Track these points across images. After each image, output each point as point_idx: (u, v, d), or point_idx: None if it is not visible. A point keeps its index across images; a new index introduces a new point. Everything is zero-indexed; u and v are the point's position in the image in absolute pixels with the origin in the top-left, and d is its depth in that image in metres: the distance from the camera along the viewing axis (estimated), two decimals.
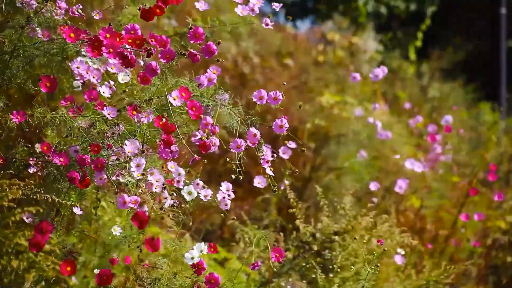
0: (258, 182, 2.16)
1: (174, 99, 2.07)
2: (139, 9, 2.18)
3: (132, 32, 2.09)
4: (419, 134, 5.05)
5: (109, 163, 2.03)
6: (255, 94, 2.13)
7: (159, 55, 2.08)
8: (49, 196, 2.02)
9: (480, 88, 8.14)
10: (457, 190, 4.43)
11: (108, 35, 2.03)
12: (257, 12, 2.26)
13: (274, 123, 2.13)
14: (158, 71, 2.07)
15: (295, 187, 3.86)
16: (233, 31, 2.44)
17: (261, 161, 2.12)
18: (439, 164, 4.48)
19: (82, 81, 2.14)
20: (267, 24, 2.29)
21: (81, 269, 2.47)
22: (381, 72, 3.17)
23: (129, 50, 2.05)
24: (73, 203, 2.12)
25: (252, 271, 2.92)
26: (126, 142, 2.02)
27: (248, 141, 2.10)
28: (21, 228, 2.01)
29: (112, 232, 2.60)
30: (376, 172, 4.40)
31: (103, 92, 2.15)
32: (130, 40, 2.05)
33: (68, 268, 1.96)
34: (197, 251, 2.09)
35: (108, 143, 2.04)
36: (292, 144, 2.37)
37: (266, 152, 2.12)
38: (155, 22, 3.29)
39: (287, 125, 2.12)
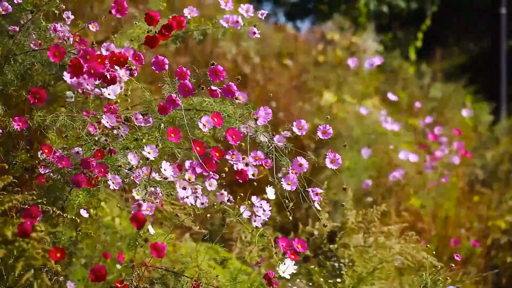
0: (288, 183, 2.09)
1: (204, 125, 2.07)
2: (148, 31, 2.18)
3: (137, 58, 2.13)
4: (421, 134, 5.06)
5: (120, 167, 2.04)
6: (295, 123, 2.11)
7: (178, 88, 2.07)
8: (50, 208, 2.01)
9: (481, 88, 8.14)
10: (456, 190, 4.44)
11: (88, 57, 2.00)
12: (241, 24, 2.25)
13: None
14: (179, 103, 2.06)
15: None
16: (234, 31, 2.44)
17: (310, 194, 2.06)
18: (440, 164, 4.49)
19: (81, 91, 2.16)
20: (254, 33, 2.28)
21: (81, 269, 2.47)
22: (377, 60, 3.20)
23: (112, 70, 2.04)
24: (80, 203, 2.12)
25: (252, 272, 2.93)
26: (146, 147, 2.03)
27: (291, 169, 2.05)
28: (8, 217, 1.99)
29: (111, 232, 2.61)
30: (376, 171, 4.40)
31: (108, 94, 2.15)
32: (114, 58, 2.05)
33: (58, 255, 1.94)
34: None
35: (111, 148, 2.04)
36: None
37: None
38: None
39: (340, 161, 2.07)
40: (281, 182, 2.05)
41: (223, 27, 2.42)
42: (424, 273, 2.20)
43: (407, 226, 3.12)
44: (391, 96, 4.61)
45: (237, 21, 2.26)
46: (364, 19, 9.07)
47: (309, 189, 2.06)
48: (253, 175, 2.14)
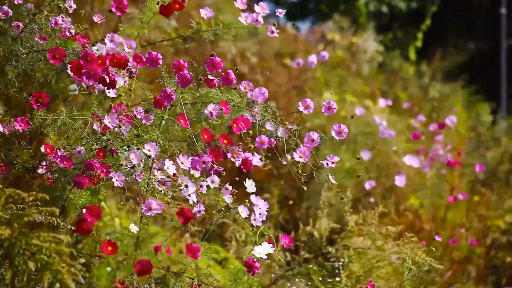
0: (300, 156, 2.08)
1: (211, 113, 2.07)
2: (157, 3, 2.18)
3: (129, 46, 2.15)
4: (420, 133, 5.05)
5: (122, 166, 2.04)
6: (301, 103, 2.12)
7: (177, 79, 2.07)
8: (55, 219, 2.00)
9: (480, 89, 8.15)
10: (456, 190, 4.44)
11: (88, 58, 2.00)
12: (262, 22, 2.27)
13: (332, 129, 2.10)
14: (174, 97, 2.06)
15: (295, 187, 3.86)
16: (236, 32, 2.45)
17: (328, 162, 2.08)
18: (439, 164, 4.49)
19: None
20: (272, 32, 2.29)
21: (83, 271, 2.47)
22: (315, 59, 3.22)
23: (112, 71, 2.04)
24: (83, 203, 2.12)
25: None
26: (146, 145, 2.03)
27: (304, 144, 2.06)
28: (34, 228, 1.99)
29: (110, 233, 2.61)
30: (376, 172, 4.40)
31: (109, 93, 2.15)
32: (115, 60, 2.05)
33: (110, 248, 2.00)
34: None
35: (112, 148, 2.04)
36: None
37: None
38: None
39: (346, 130, 2.09)
40: (293, 155, 2.06)
41: (235, 28, 2.43)
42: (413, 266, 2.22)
43: (406, 227, 3.12)
44: (387, 101, 4.65)
45: (257, 20, 2.26)
46: (364, 19, 9.07)
47: (328, 157, 2.07)
48: (261, 159, 2.14)
